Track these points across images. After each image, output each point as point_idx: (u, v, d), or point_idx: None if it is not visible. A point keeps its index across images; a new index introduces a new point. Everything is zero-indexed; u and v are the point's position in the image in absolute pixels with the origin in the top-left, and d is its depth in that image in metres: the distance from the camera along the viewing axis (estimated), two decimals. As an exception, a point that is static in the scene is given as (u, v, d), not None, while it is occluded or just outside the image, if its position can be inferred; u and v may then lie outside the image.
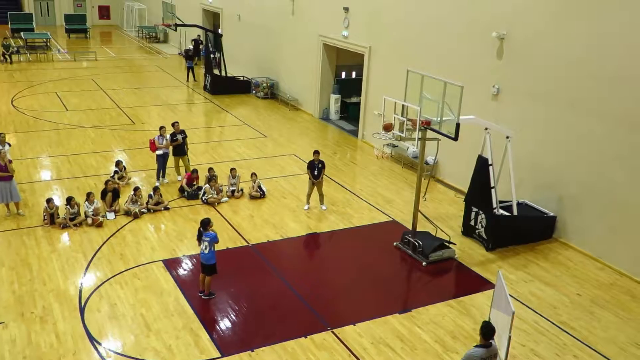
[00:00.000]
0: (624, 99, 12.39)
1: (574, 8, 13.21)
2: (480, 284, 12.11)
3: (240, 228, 13.99)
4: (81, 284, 11.43)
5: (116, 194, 14.50)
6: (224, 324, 10.46)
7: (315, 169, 14.82)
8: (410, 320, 10.77)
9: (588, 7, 12.93)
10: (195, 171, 15.92)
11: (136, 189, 14.61)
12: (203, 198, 15.22)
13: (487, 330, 7.92)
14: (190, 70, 29.71)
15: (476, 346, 7.95)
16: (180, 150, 16.44)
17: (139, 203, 14.47)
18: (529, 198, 14.57)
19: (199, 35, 32.24)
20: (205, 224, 11.04)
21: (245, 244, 13.30)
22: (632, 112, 12.26)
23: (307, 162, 15.32)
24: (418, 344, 10.12)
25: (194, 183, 15.73)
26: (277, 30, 26.08)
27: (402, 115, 12.37)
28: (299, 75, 24.87)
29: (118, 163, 16.39)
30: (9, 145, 15.98)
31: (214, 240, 11.00)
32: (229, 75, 27.79)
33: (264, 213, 14.89)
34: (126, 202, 14.48)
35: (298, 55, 24.70)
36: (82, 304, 10.78)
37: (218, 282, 11.65)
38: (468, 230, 14.07)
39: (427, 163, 16.53)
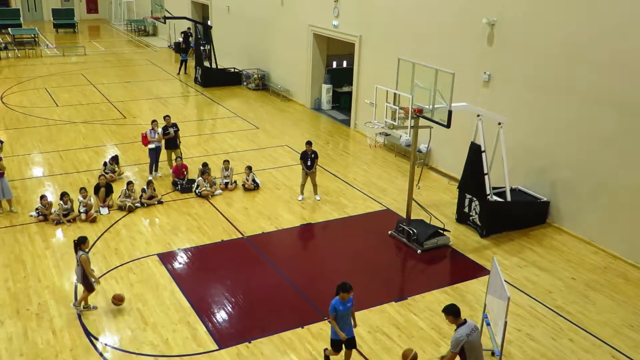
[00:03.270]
0: (615, 82, 12.40)
1: (564, -7, 13.23)
2: (476, 271, 12.16)
3: (235, 220, 13.98)
4: (76, 279, 11.39)
5: (109, 189, 14.43)
6: (221, 316, 10.46)
7: (308, 159, 14.80)
8: (406, 308, 10.82)
9: (578, -9, 12.96)
10: (178, 158, 15.93)
11: (129, 183, 14.57)
12: (197, 191, 15.19)
13: (455, 309, 7.80)
14: (184, 63, 29.55)
15: (457, 328, 7.88)
16: (172, 143, 16.40)
17: (132, 197, 14.42)
18: (522, 184, 14.62)
19: (188, 28, 32.04)
20: (340, 288, 8.55)
21: (240, 236, 13.29)
22: (622, 95, 12.28)
23: (300, 152, 15.30)
24: (414, 331, 10.17)
25: (184, 173, 15.73)
26: (267, 21, 25.95)
27: (394, 104, 12.37)
28: (290, 65, 24.76)
29: (114, 158, 16.41)
30: (0, 142, 15.88)
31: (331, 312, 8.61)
32: (219, 67, 27.65)
33: (258, 205, 14.87)
34: (119, 196, 14.43)
35: (289, 46, 24.59)
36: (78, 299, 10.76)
37: (214, 274, 11.66)
38: (462, 217, 14.11)
39: (420, 151, 16.55)
